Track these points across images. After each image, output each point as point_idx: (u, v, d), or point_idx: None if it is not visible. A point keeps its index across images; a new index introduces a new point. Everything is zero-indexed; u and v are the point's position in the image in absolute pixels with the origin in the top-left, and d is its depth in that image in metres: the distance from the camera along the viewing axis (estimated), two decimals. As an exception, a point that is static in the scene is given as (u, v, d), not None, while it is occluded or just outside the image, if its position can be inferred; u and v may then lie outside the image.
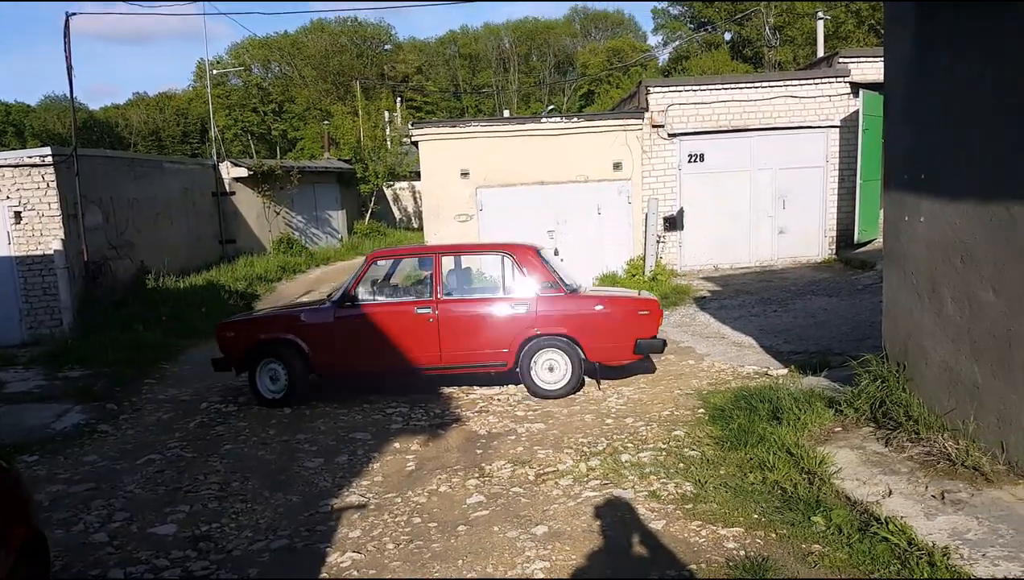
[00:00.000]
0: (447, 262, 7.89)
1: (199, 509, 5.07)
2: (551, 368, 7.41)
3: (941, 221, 4.76)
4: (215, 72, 43.08)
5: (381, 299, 7.72)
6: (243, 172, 20.34)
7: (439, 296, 7.53)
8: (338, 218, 25.61)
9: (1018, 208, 4.06)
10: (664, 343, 7.72)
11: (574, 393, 7.40)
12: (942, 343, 4.81)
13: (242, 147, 46.02)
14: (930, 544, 3.58)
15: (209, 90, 30.35)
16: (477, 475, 5.41)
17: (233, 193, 20.22)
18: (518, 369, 7.45)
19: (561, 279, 7.59)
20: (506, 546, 4.25)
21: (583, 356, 7.37)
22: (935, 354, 4.89)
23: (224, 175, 20.11)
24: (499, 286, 7.68)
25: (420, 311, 7.49)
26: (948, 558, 3.44)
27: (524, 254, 7.64)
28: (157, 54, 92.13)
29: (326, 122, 37.57)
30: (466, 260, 8.39)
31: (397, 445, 6.25)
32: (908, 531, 3.74)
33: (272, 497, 5.23)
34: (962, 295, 4.59)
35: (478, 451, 5.97)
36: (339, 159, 28.24)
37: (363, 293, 7.64)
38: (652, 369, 8.07)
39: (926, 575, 3.39)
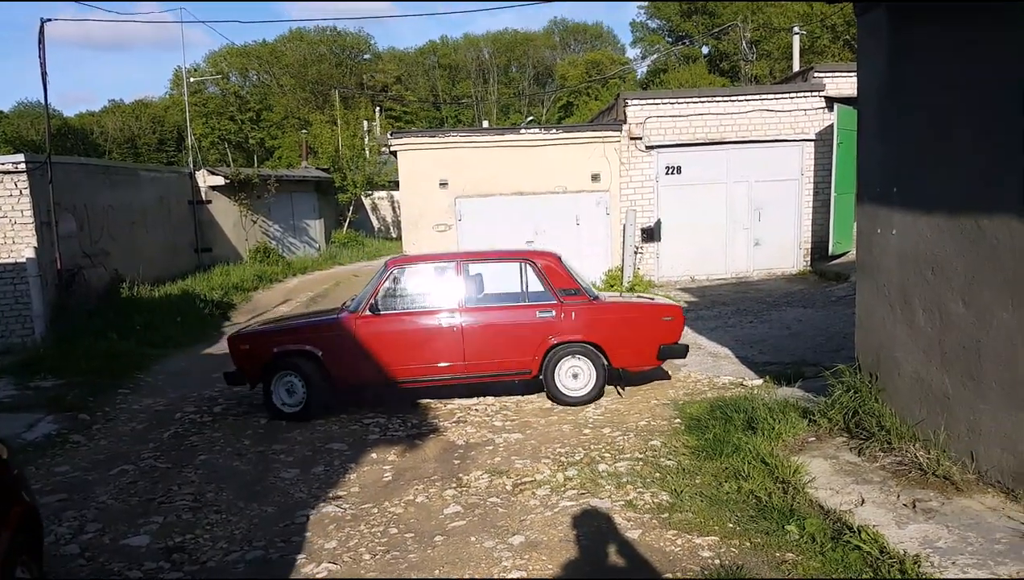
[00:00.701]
0: (470, 269, 7.71)
1: (173, 520, 5.01)
2: (575, 375, 7.40)
3: (913, 234, 4.85)
4: (192, 80, 42.73)
5: (401, 307, 7.53)
6: (220, 180, 20.20)
7: (463, 304, 7.44)
8: (316, 227, 25.49)
9: (987, 221, 4.16)
10: (687, 348, 7.75)
11: (597, 399, 7.39)
12: (914, 354, 4.89)
13: (219, 155, 45.64)
14: (901, 552, 3.63)
15: (186, 98, 30.15)
16: (454, 485, 5.40)
17: (209, 201, 20.07)
18: (542, 376, 7.40)
19: (584, 286, 7.66)
20: (483, 556, 4.24)
21: (607, 363, 7.38)
22: (907, 365, 4.97)
23: (200, 183, 19.96)
24: (522, 293, 7.58)
25: (444, 319, 7.38)
26: (919, 566, 3.49)
27: (547, 261, 7.63)
28: (133, 61, 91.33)
29: (304, 131, 37.43)
30: (488, 267, 8.16)
31: (374, 455, 6.21)
32: (880, 539, 3.79)
33: (247, 508, 5.18)
34: (933, 307, 4.67)
35: (455, 461, 5.96)
36: (317, 168, 28.12)
37: (383, 301, 7.44)
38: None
39: (897, 583, 3.43)
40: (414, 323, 7.44)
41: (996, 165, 4.11)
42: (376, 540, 4.59)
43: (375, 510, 5.06)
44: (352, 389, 7.61)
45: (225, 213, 20.49)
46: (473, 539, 4.47)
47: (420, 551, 4.39)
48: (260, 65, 59.36)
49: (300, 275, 20.71)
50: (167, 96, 59.51)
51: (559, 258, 7.76)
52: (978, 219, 4.22)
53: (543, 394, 7.58)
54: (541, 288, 7.50)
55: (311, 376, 7.27)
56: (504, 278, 8.27)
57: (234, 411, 7.78)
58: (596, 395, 7.36)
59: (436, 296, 7.60)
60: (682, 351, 7.61)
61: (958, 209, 4.39)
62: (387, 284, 7.50)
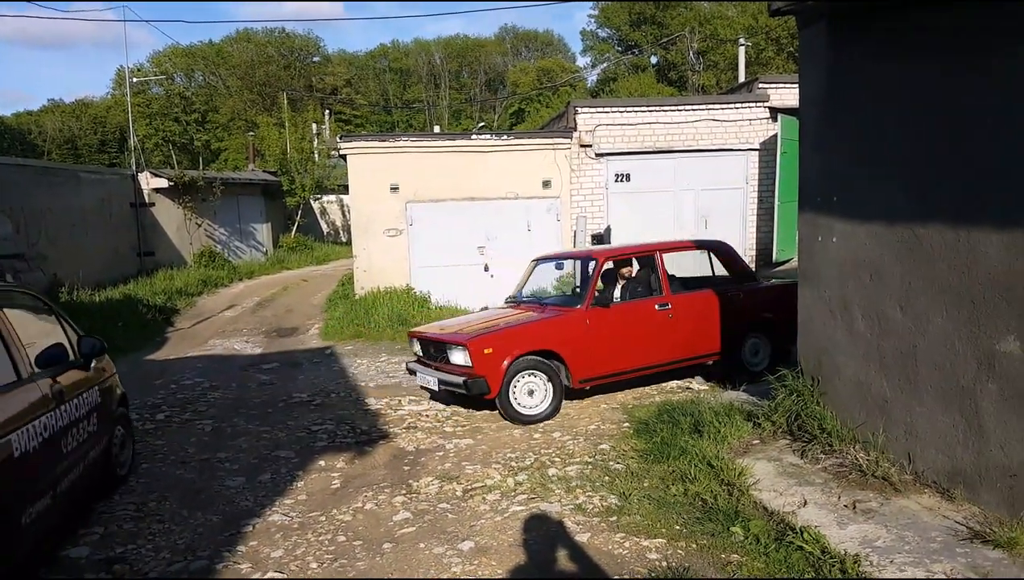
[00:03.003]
0: (667, 258, 7.90)
1: (114, 530, 4.84)
2: (756, 351, 7.89)
3: (852, 241, 5.00)
4: (135, 80, 41.64)
5: (620, 299, 7.71)
6: (163, 183, 19.72)
7: (669, 292, 7.61)
8: (263, 231, 25.06)
9: (923, 230, 4.31)
10: None
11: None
12: (854, 359, 5.04)
13: (163, 157, 44.54)
14: (842, 552, 3.72)
15: (129, 98, 29.41)
16: (404, 492, 5.35)
17: (152, 204, 19.56)
18: (734, 355, 7.78)
19: (750, 270, 8.04)
20: (432, 562, 4.21)
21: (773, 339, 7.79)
22: (847, 369, 5.12)
23: (143, 185, 19.45)
24: (710, 280, 8.03)
25: (658, 307, 7.51)
26: (859, 565, 3.59)
27: (726, 248, 8.30)
28: (74, 60, 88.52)
29: (251, 133, 36.76)
30: (675, 256, 8.36)
31: (322, 463, 6.12)
32: (822, 540, 3.88)
33: (191, 517, 5.05)
34: (872, 313, 4.82)
35: (405, 468, 5.91)
36: (264, 171, 27.65)
37: (603, 294, 7.61)
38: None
39: (838, 581, 3.52)
40: (635, 313, 7.54)
41: (931, 176, 4.27)
42: (323, 548, 4.52)
43: (323, 518, 4.98)
44: (583, 385, 7.28)
45: (169, 216, 20.00)
46: (422, 546, 4.44)
47: (368, 559, 4.33)
48: (206, 66, 58.06)
49: (247, 280, 20.34)
50: (109, 96, 57.76)
51: (731, 246, 8.46)
52: (914, 228, 4.37)
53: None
54: (723, 273, 8.00)
55: (556, 375, 7.01)
56: (688, 264, 8.71)
57: (178, 418, 7.58)
58: (769, 368, 6.95)
59: (645, 284, 7.87)
60: None
61: (896, 218, 4.55)
62: (603, 276, 7.72)
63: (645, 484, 5.06)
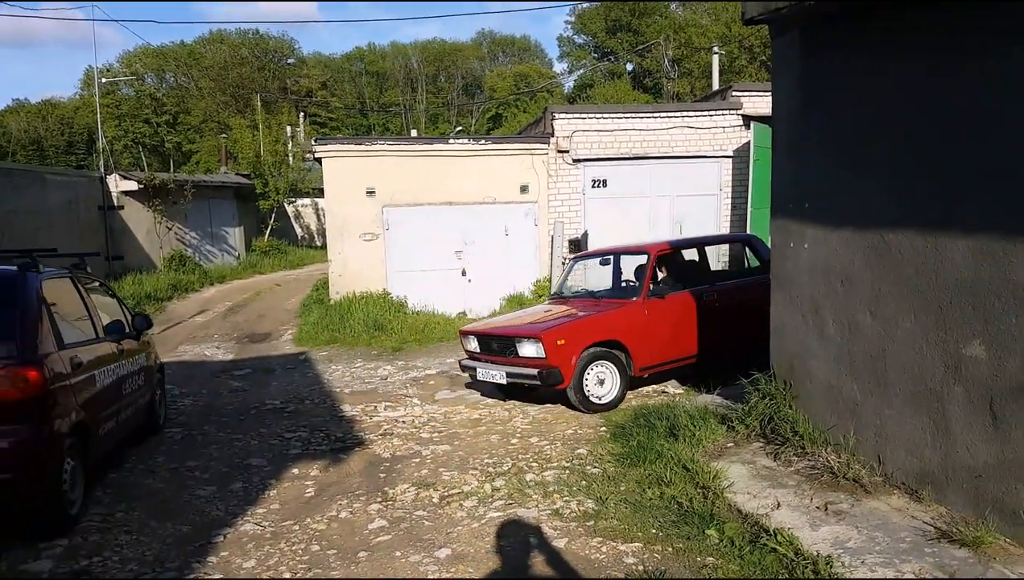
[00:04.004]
0: (707, 250, 8.51)
1: (79, 542, 4.73)
2: None
3: (824, 248, 5.07)
4: (104, 80, 41.03)
5: (672, 290, 7.86)
6: (133, 185, 19.43)
7: (712, 282, 8.03)
8: (235, 235, 24.80)
9: (892, 236, 4.38)
10: None
11: None
12: (825, 362, 5.11)
13: (132, 159, 43.83)
14: (815, 553, 3.76)
15: (98, 99, 28.96)
16: (380, 499, 5.31)
17: (122, 207, 19.27)
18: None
19: None
20: (408, 571, 4.19)
21: None
22: (818, 373, 5.18)
23: (112, 188, 19.15)
24: (746, 271, 8.33)
25: (704, 296, 7.79)
26: (831, 566, 3.63)
27: (759, 241, 8.59)
28: (40, 59, 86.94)
29: (224, 135, 36.40)
30: (711, 249, 8.97)
31: (296, 471, 6.06)
32: (795, 542, 3.92)
33: (160, 527, 4.96)
34: (842, 317, 4.89)
35: (381, 475, 5.87)
36: (237, 173, 27.37)
37: (656, 286, 7.84)
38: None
39: (811, 583, 3.56)
40: (687, 303, 7.71)
41: (900, 183, 4.34)
42: (297, 558, 4.47)
43: (296, 527, 4.93)
44: (642, 373, 7.61)
45: (138, 219, 19.71)
46: (398, 554, 4.41)
47: (343, 568, 4.30)
48: (177, 67, 57.34)
49: (218, 284, 20.11)
50: (77, 96, 56.83)
51: (761, 239, 8.64)
52: (884, 234, 4.45)
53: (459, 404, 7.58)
54: (755, 264, 8.22)
55: (621, 364, 7.30)
56: (722, 258, 9.32)
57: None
58: None
59: (691, 276, 8.15)
60: None
61: (866, 224, 4.62)
62: (656, 270, 7.93)
63: (622, 488, 5.08)
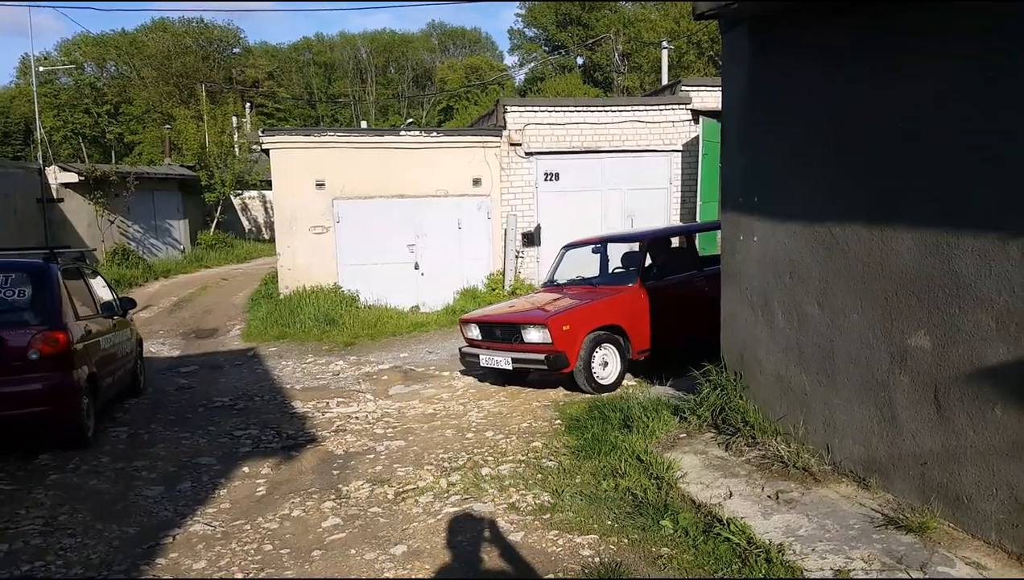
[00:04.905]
0: (696, 237, 8.90)
1: (20, 547, 4.55)
2: None
3: (773, 241, 5.16)
4: (42, 69, 39.49)
5: (664, 275, 8.20)
6: (73, 177, 18.80)
7: (701, 267, 8.33)
8: (180, 228, 24.19)
9: (839, 229, 4.48)
10: None
11: None
12: (774, 354, 5.20)
13: (72, 150, 42.28)
14: (767, 542, 3.84)
15: (35, 88, 27.91)
16: (333, 497, 5.24)
17: (61, 200, 18.62)
18: None
19: None
20: (363, 568, 4.14)
21: None
22: (768, 364, 5.28)
23: (51, 180, 18.49)
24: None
25: (696, 282, 8.13)
26: (783, 554, 3.70)
27: None
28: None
29: (167, 126, 35.39)
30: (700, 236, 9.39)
31: (246, 469, 5.93)
32: (747, 531, 3.99)
33: (105, 530, 4.80)
34: (791, 309, 4.99)
35: (335, 472, 5.78)
36: (182, 165, 26.65)
37: (649, 273, 8.17)
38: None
39: (763, 572, 3.63)
40: (678, 289, 8.02)
41: (847, 178, 4.44)
42: (249, 558, 4.37)
43: (248, 526, 4.83)
44: (639, 356, 7.91)
45: (79, 212, 19.08)
46: (353, 551, 4.35)
47: (297, 567, 4.22)
48: (119, 56, 55.44)
49: (163, 279, 19.61)
50: (13, 85, 54.48)
51: None
52: (831, 227, 4.54)
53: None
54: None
55: (621, 348, 7.67)
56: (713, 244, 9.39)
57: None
58: None
59: (681, 262, 8.44)
60: None
61: (814, 218, 4.71)
62: (648, 257, 8.26)
63: (577, 480, 5.10)
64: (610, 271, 8.91)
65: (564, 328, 7.43)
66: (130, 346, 8.31)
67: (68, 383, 6.09)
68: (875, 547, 3.67)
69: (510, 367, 7.75)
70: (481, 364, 8.00)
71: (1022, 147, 3.36)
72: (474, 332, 8.23)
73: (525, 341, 7.60)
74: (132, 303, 8.56)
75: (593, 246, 9.32)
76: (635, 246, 8.57)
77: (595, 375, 7.53)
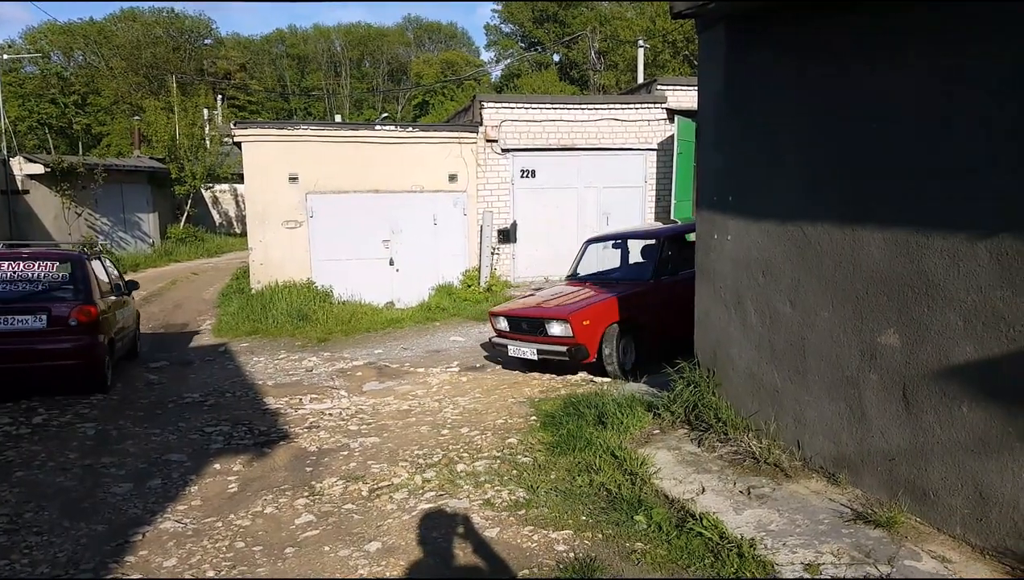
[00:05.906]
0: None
1: (-18, 547, 4.47)
2: None
3: (746, 240, 5.22)
4: (6, 57, 38.61)
5: (675, 270, 8.43)
6: (39, 169, 18.43)
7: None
8: (149, 221, 23.82)
9: (811, 229, 4.54)
10: None
11: None
12: (747, 351, 5.26)
13: (38, 141, 41.40)
14: (739, 536, 3.88)
15: (-2, 76, 27.18)
16: (307, 494, 5.20)
17: (27, 192, 18.26)
18: None
19: None
20: (337, 566, 4.11)
21: None
22: (741, 361, 5.34)
23: (16, 172, 18.11)
24: None
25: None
26: (755, 549, 3.75)
27: None
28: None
29: (137, 117, 34.77)
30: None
31: (217, 466, 5.87)
32: (720, 526, 4.04)
33: (73, 527, 4.72)
34: (764, 307, 5.05)
35: (308, 469, 5.74)
36: (151, 158, 26.24)
37: (664, 268, 8.50)
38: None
39: (735, 566, 3.67)
40: (691, 284, 8.08)
41: (820, 177, 4.50)
42: (221, 555, 4.33)
43: (219, 524, 4.77)
44: (654, 348, 8.09)
45: (45, 205, 18.71)
46: (327, 548, 4.32)
47: (270, 564, 4.19)
48: (87, 45, 54.36)
49: (131, 273, 19.22)
50: (-26, 73, 53.18)
51: None
52: (803, 227, 4.60)
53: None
54: None
55: (638, 341, 8.17)
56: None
57: (56, 421, 7.07)
58: None
59: (690, 259, 8.60)
60: None
61: (787, 217, 4.77)
62: (664, 254, 8.59)
63: (552, 476, 5.12)
64: (629, 264, 9.54)
65: (584, 323, 7.93)
66: (133, 319, 10.32)
67: (96, 343, 7.98)
68: (844, 541, 3.73)
69: (536, 358, 8.28)
70: (509, 354, 8.60)
71: (989, 150, 3.43)
72: (502, 324, 8.75)
73: (549, 334, 8.12)
74: (135, 285, 10.66)
75: (614, 241, 9.85)
76: (653, 242, 9.02)
77: (617, 363, 8.00)
